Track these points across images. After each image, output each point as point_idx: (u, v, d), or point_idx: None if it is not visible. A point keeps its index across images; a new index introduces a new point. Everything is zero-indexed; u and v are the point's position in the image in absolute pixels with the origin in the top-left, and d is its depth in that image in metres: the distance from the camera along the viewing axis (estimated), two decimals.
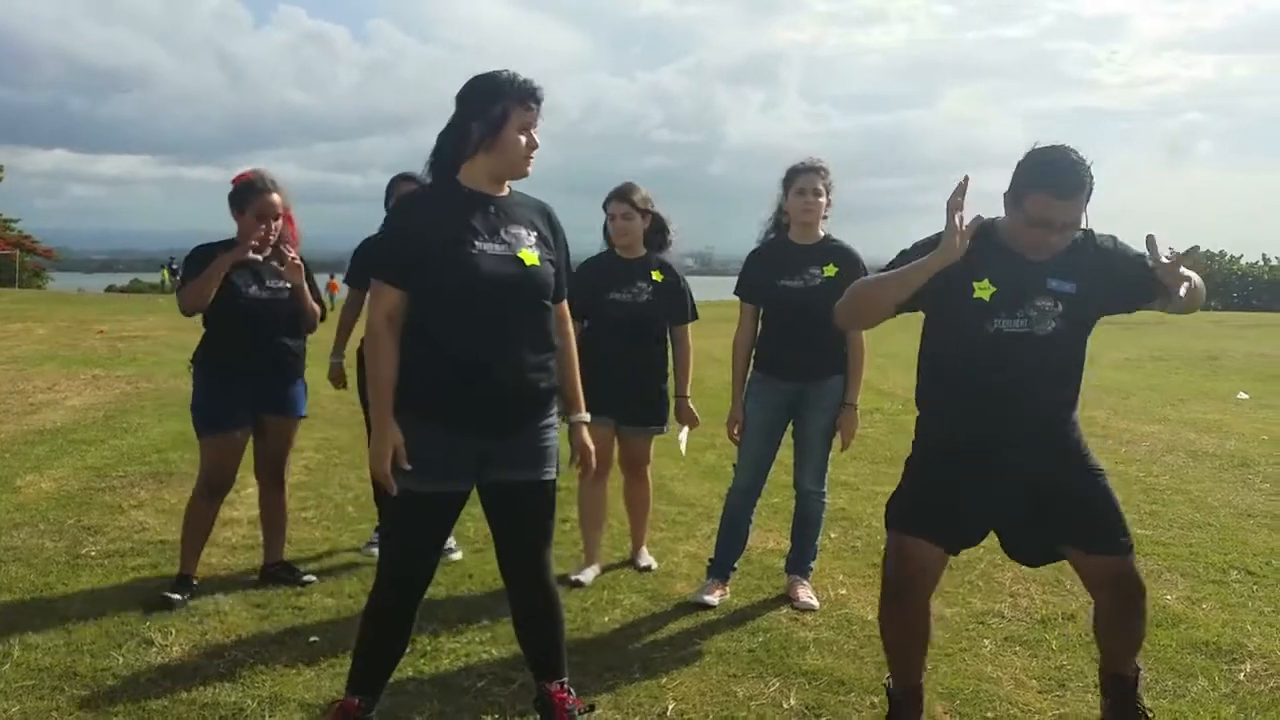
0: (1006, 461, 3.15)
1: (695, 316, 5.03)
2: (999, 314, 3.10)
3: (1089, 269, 3.12)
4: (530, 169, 3.16)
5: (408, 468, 3.02)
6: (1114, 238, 3.22)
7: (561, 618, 3.31)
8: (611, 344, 4.78)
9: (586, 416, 3.41)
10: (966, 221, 2.99)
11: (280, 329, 4.64)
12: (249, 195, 4.52)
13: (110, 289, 52.04)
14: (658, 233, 4.95)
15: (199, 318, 4.57)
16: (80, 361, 14.66)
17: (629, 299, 4.84)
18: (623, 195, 4.86)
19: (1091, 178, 3.02)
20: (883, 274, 3.23)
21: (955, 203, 2.99)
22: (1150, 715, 3.35)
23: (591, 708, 3.41)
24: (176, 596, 4.47)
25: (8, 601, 4.49)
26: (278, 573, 4.82)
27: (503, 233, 3.07)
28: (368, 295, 3.36)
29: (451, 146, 3.11)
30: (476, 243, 3.02)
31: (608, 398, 4.67)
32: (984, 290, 3.11)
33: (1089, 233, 3.18)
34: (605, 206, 4.92)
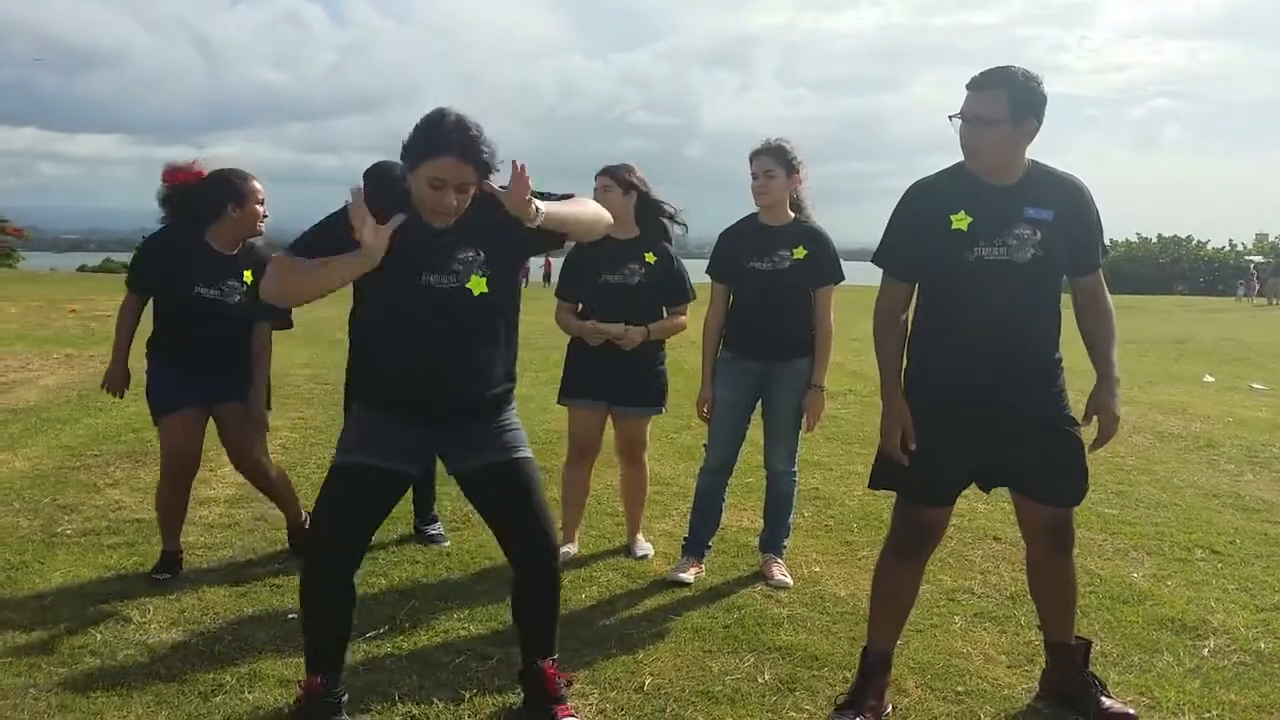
0: (993, 390, 3.24)
1: (693, 296, 4.92)
2: (979, 242, 3.19)
3: (1064, 201, 3.21)
4: (446, 224, 3.02)
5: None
6: (1090, 191, 3.31)
7: (558, 595, 3.32)
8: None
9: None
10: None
11: (232, 327, 4.55)
12: (242, 185, 4.46)
13: (82, 268, 51.48)
14: (654, 216, 4.83)
15: (149, 304, 4.57)
16: (53, 341, 14.56)
17: (621, 280, 4.74)
18: (606, 170, 4.76)
19: (1017, 83, 3.14)
20: (891, 352, 3.39)
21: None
22: (1100, 683, 3.46)
23: (569, 683, 3.46)
24: (165, 575, 4.52)
25: None
26: (301, 530, 4.79)
27: (451, 262, 3.04)
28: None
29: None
30: (423, 274, 3.01)
31: (603, 381, 4.70)
32: (961, 221, 3.21)
33: (1069, 174, 3.29)
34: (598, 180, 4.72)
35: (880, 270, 3.46)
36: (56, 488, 6.12)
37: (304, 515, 4.82)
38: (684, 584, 4.63)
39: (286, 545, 4.94)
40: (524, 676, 3.33)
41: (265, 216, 4.56)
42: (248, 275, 4.53)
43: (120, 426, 8.09)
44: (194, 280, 4.43)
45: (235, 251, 4.54)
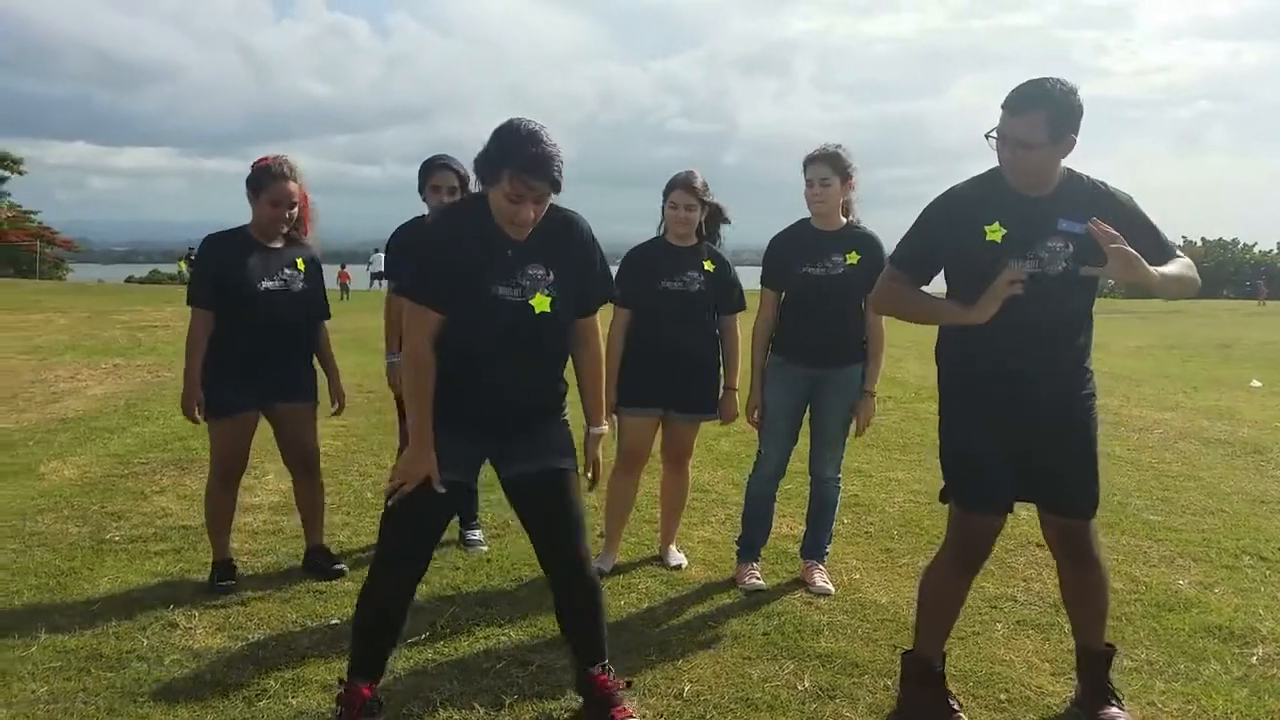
0: (1021, 392, 3.23)
1: (743, 307, 4.91)
2: (1012, 255, 3.17)
3: (1098, 213, 3.16)
4: (522, 235, 3.10)
5: (441, 490, 3.09)
6: (1130, 196, 3.28)
7: (602, 604, 3.38)
8: (662, 333, 4.70)
9: (604, 429, 3.44)
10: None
11: (291, 319, 4.62)
12: (265, 180, 4.50)
13: (130, 279, 52.23)
14: (714, 222, 4.84)
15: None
16: (101, 351, 14.77)
17: (681, 288, 4.73)
18: (688, 186, 4.72)
19: (1055, 102, 3.06)
20: (921, 297, 3.35)
21: (1008, 283, 3.11)
22: (1120, 696, 3.42)
23: (629, 684, 3.49)
24: (229, 582, 4.59)
25: (34, 585, 4.57)
26: (314, 558, 4.84)
27: (519, 276, 3.09)
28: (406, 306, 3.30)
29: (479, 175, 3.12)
30: (494, 287, 3.07)
31: (656, 387, 4.69)
32: (995, 233, 3.19)
33: (1103, 184, 3.26)
34: (666, 194, 4.78)
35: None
36: (105, 495, 6.22)
37: (322, 542, 4.89)
38: (762, 589, 4.66)
39: (303, 565, 4.89)
40: (579, 685, 3.38)
41: (286, 220, 4.56)
42: (300, 264, 4.64)
43: (167, 435, 8.21)
44: (256, 275, 4.50)
45: (279, 244, 4.61)
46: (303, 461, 4.82)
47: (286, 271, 4.59)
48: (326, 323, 4.87)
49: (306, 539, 4.93)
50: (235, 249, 4.53)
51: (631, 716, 3.30)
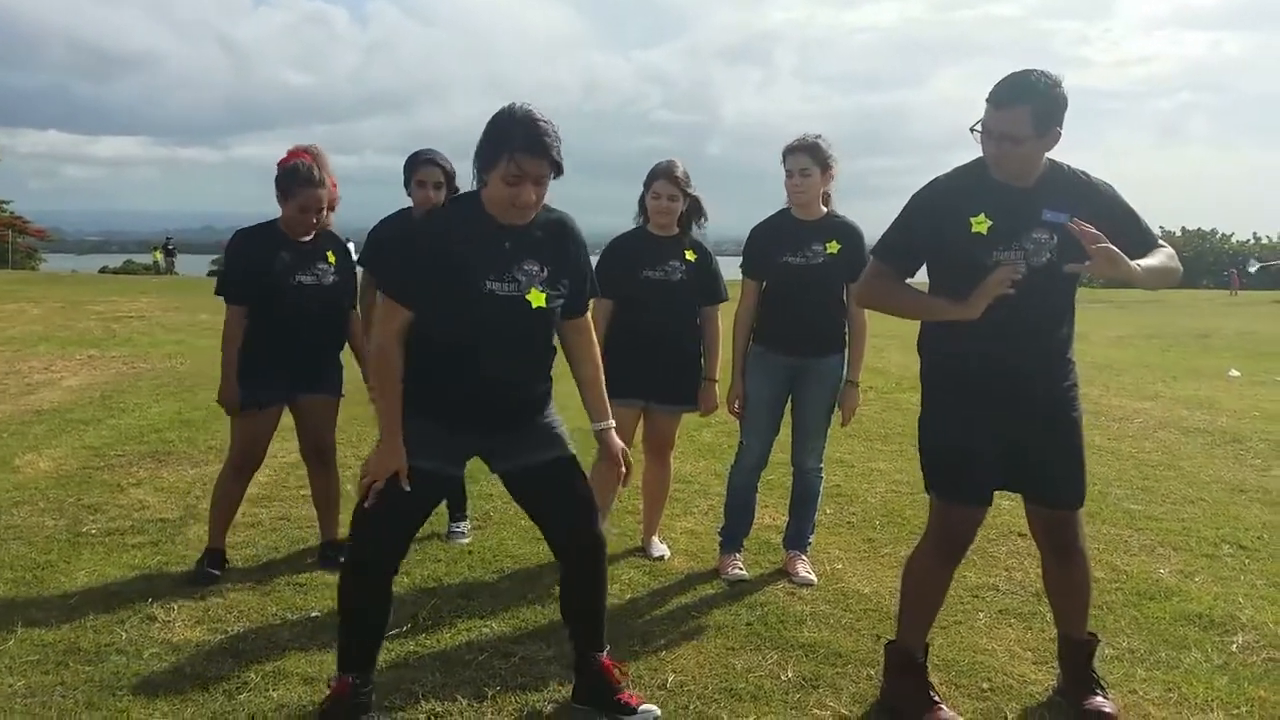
0: (1024, 393, 3.23)
1: (725, 298, 4.88)
2: (997, 246, 3.18)
3: (1081, 203, 3.17)
4: (525, 219, 3.08)
5: (407, 488, 3.06)
6: (1111, 185, 3.29)
7: (606, 587, 3.39)
8: (644, 323, 4.68)
9: (611, 423, 3.43)
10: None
11: (324, 314, 4.61)
12: (293, 187, 4.45)
13: (104, 270, 51.77)
14: (694, 213, 4.80)
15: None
16: (76, 342, 14.64)
17: (662, 277, 4.71)
18: (670, 176, 4.68)
19: (1041, 96, 3.05)
20: (908, 292, 3.37)
21: (1001, 280, 3.11)
22: (1104, 685, 3.43)
23: (623, 673, 3.49)
24: (217, 571, 4.56)
25: (10, 579, 4.51)
26: (326, 552, 4.80)
27: (514, 270, 3.07)
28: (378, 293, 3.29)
29: (475, 169, 3.11)
30: (487, 282, 3.04)
31: (638, 378, 4.65)
32: (981, 224, 3.19)
33: (1085, 174, 3.27)
34: (648, 185, 4.74)
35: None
36: (81, 488, 6.16)
37: (337, 536, 4.83)
38: (744, 579, 4.65)
39: (317, 557, 4.84)
40: (580, 671, 3.37)
41: (315, 222, 4.54)
42: (331, 257, 4.62)
43: (143, 427, 8.14)
44: (288, 271, 4.48)
45: (310, 238, 4.58)
46: (319, 453, 4.81)
47: (319, 266, 4.57)
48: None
49: (321, 532, 4.91)
50: (265, 244, 4.51)
51: (642, 703, 3.31)
